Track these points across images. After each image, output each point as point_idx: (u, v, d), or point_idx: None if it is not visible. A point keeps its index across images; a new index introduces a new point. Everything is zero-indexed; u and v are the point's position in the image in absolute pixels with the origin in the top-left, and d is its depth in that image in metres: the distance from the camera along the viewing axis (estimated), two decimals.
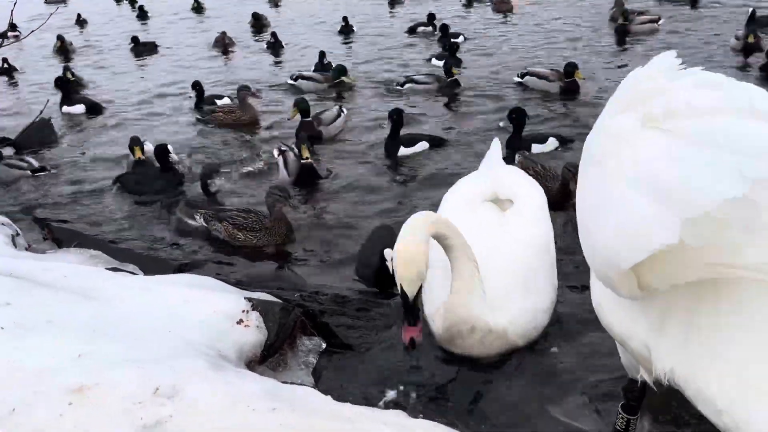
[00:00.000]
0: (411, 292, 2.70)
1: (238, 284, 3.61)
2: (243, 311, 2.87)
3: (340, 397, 2.30)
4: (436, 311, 3.07)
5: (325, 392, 2.58)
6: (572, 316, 3.38)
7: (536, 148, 6.91)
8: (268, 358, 2.88)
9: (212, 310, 2.80)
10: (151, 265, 4.24)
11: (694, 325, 1.59)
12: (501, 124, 7.44)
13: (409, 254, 2.70)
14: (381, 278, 3.33)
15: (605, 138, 1.71)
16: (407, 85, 9.95)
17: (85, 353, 2.16)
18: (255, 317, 2.86)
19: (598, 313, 2.03)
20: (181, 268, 4.24)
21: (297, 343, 3.10)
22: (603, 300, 1.96)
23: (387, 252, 3.30)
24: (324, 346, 3.15)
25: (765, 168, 1.27)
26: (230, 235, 4.95)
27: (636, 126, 1.59)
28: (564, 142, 7.16)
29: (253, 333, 2.80)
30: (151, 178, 6.46)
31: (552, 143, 7.03)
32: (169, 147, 6.67)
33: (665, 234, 1.32)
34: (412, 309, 2.71)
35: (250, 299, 2.96)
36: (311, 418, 1.78)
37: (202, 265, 4.34)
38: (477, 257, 2.99)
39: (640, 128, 1.57)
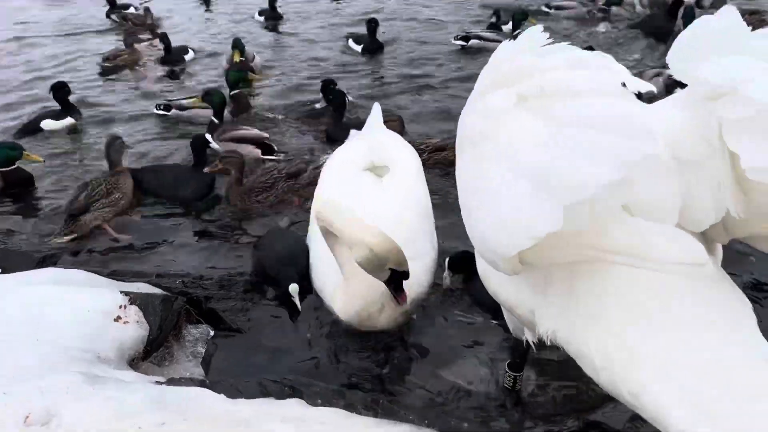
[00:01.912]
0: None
1: (113, 276, 3.40)
2: (120, 307, 2.70)
3: (233, 389, 2.24)
4: (337, 294, 3.05)
5: (217, 383, 2.53)
6: None
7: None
8: (152, 353, 2.76)
9: (85, 308, 2.61)
10: (8, 260, 3.86)
11: (573, 292, 1.69)
12: (317, 106, 6.38)
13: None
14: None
15: (480, 117, 1.71)
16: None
17: None
18: (134, 312, 2.72)
19: (485, 282, 2.10)
20: (44, 261, 3.89)
21: (183, 333, 2.99)
22: (489, 271, 2.02)
23: (293, 288, 3.22)
24: (212, 333, 3.06)
25: (640, 150, 1.32)
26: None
27: (510, 105, 1.60)
28: None
29: (133, 329, 2.65)
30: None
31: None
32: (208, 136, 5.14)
33: (548, 222, 1.36)
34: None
35: (126, 293, 2.80)
36: (204, 425, 1.71)
37: (69, 256, 3.99)
38: None
39: (515, 108, 1.59)
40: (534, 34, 1.77)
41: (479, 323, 3.18)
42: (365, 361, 2.97)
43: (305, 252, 3.36)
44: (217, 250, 3.86)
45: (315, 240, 3.33)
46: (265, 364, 2.91)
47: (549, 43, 1.76)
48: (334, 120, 5.68)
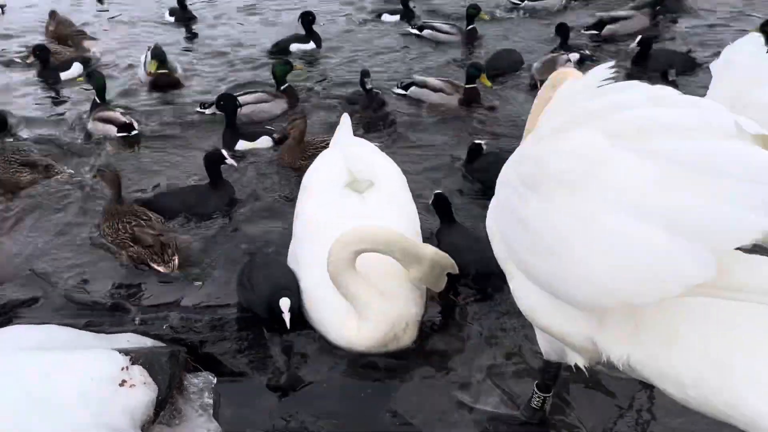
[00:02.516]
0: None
1: (89, 327, 3.15)
2: (123, 369, 2.53)
3: None
4: (349, 324, 3.03)
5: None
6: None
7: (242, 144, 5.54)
8: (160, 413, 2.58)
9: (88, 377, 2.42)
10: None
11: (646, 320, 1.77)
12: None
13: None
14: (276, 319, 3.11)
15: (571, 157, 1.69)
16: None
17: None
18: (138, 372, 2.55)
19: (532, 318, 2.14)
20: (4, 313, 3.50)
21: (185, 385, 2.82)
22: (537, 306, 2.07)
23: (283, 303, 3.05)
24: (214, 380, 2.91)
25: None
26: None
27: (605, 145, 1.60)
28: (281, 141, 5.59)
29: (141, 392, 2.49)
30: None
31: (264, 141, 5.62)
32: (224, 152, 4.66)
33: (702, 270, 1.41)
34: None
35: (126, 352, 2.61)
36: None
37: (24, 308, 3.61)
38: None
39: (613, 148, 1.58)
40: (599, 71, 1.79)
41: (484, 337, 3.19)
42: (382, 392, 2.90)
43: (294, 281, 3.27)
44: (202, 287, 3.63)
45: (310, 270, 3.24)
46: (280, 407, 2.80)
47: (612, 80, 1.77)
48: (227, 124, 5.61)
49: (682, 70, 6.67)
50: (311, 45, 8.21)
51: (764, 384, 1.60)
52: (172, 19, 10.00)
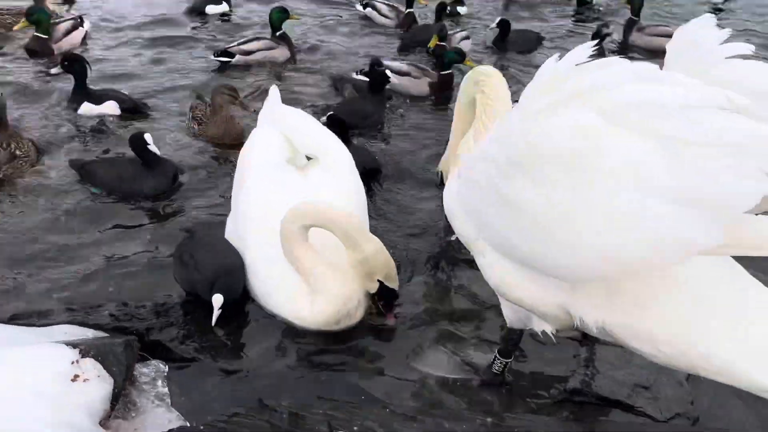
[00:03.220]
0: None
1: (16, 321, 2.92)
2: (72, 362, 2.39)
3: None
4: (300, 300, 3.01)
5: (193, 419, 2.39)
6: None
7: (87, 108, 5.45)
8: (115, 407, 2.46)
9: (35, 375, 2.26)
10: None
11: (613, 286, 1.93)
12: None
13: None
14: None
15: (566, 136, 1.72)
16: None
17: None
18: (91, 365, 2.43)
19: (502, 291, 2.25)
20: None
21: (135, 375, 2.69)
22: (509, 280, 2.17)
23: (216, 299, 2.93)
24: (166, 368, 2.79)
25: None
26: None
27: (599, 122, 1.66)
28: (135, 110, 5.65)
29: (96, 386, 2.38)
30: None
31: (111, 106, 5.48)
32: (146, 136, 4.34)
33: (709, 238, 1.53)
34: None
35: (73, 344, 2.46)
36: None
37: None
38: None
39: (608, 126, 1.65)
40: (581, 50, 1.85)
41: (435, 309, 3.28)
42: (337, 366, 2.92)
43: (238, 260, 3.18)
44: (143, 270, 3.43)
45: (255, 248, 3.17)
46: (238, 392, 2.73)
47: (591, 59, 1.84)
48: (76, 85, 5.54)
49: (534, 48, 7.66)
50: (224, 6, 8.46)
51: (733, 338, 1.80)
52: None
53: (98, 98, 5.48)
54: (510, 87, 2.63)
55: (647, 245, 1.64)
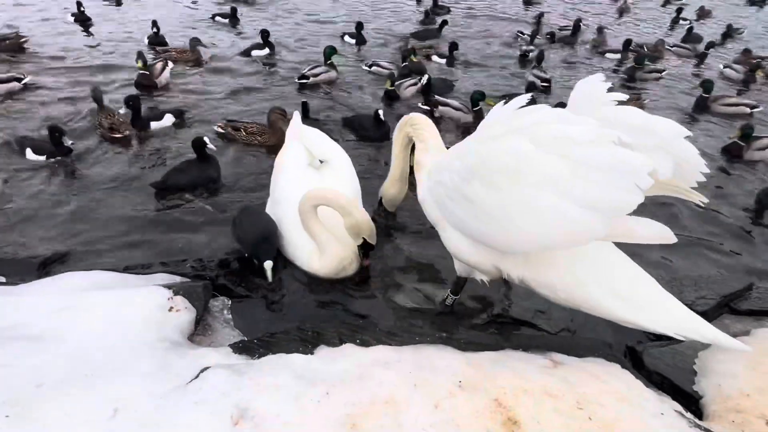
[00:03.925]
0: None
1: (128, 271, 3.01)
2: (168, 299, 2.48)
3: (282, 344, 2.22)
4: (314, 258, 3.08)
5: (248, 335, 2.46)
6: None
7: (154, 125, 5.29)
8: (197, 328, 2.58)
9: (146, 306, 2.36)
10: (8, 268, 3.15)
11: (531, 255, 2.02)
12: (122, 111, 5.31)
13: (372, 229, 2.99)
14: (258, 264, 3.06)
15: (509, 156, 1.77)
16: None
17: None
18: (181, 300, 2.51)
19: (456, 254, 2.32)
20: (44, 266, 3.24)
21: (209, 307, 2.81)
22: (462, 247, 2.25)
23: (267, 264, 3.01)
24: (229, 302, 2.90)
25: (646, 181, 1.57)
26: (248, 138, 5.07)
27: (531, 148, 1.71)
28: (179, 115, 5.54)
29: (184, 314, 2.46)
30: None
31: (168, 119, 5.39)
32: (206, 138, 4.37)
33: (601, 229, 1.61)
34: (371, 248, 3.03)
35: (168, 286, 2.56)
36: (343, 387, 1.70)
37: (63, 258, 3.36)
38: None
39: (537, 151, 1.70)
40: (521, 100, 1.94)
41: (409, 264, 3.39)
42: (344, 301, 3.01)
43: (274, 228, 3.27)
44: (212, 236, 3.53)
45: (286, 221, 3.27)
46: (277, 317, 2.85)
47: (529, 104, 1.93)
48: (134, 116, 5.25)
49: (446, 91, 7.09)
50: (266, 51, 8.27)
51: (602, 287, 1.90)
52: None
53: (157, 116, 5.33)
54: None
55: (559, 234, 1.70)
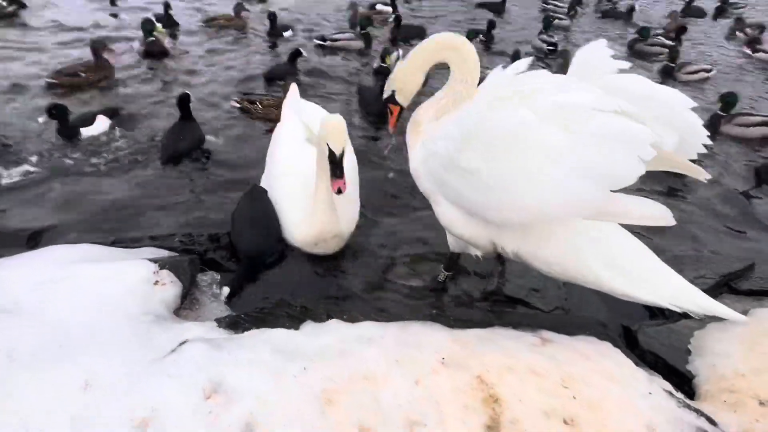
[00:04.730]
0: (339, 154, 2.63)
1: (115, 245, 2.97)
2: (154, 272, 2.45)
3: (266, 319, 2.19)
4: (300, 225, 2.99)
5: (237, 311, 2.42)
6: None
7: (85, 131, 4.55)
8: (184, 302, 2.56)
9: (131, 280, 2.33)
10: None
11: (528, 229, 1.96)
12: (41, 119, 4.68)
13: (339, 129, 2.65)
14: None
15: (510, 126, 1.70)
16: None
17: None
18: (166, 275, 2.48)
19: (449, 228, 2.25)
20: (34, 238, 3.22)
21: (197, 281, 2.78)
22: (455, 221, 2.18)
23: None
24: (218, 277, 2.87)
25: (648, 152, 1.51)
26: (264, 111, 5.04)
27: (532, 119, 1.65)
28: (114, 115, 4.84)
29: (171, 288, 2.43)
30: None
31: (101, 123, 4.66)
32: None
33: (597, 199, 1.57)
34: (340, 165, 2.63)
35: (154, 260, 2.52)
36: (322, 363, 1.67)
37: (51, 230, 3.33)
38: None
39: (539, 121, 1.64)
40: (520, 64, 1.85)
41: (401, 241, 3.34)
42: (333, 277, 2.99)
43: (266, 216, 3.13)
44: (199, 208, 3.48)
45: (280, 195, 3.20)
46: (266, 293, 2.80)
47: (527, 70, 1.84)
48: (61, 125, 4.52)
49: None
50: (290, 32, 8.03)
51: (597, 259, 1.87)
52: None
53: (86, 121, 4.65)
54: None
55: (557, 204, 1.66)
